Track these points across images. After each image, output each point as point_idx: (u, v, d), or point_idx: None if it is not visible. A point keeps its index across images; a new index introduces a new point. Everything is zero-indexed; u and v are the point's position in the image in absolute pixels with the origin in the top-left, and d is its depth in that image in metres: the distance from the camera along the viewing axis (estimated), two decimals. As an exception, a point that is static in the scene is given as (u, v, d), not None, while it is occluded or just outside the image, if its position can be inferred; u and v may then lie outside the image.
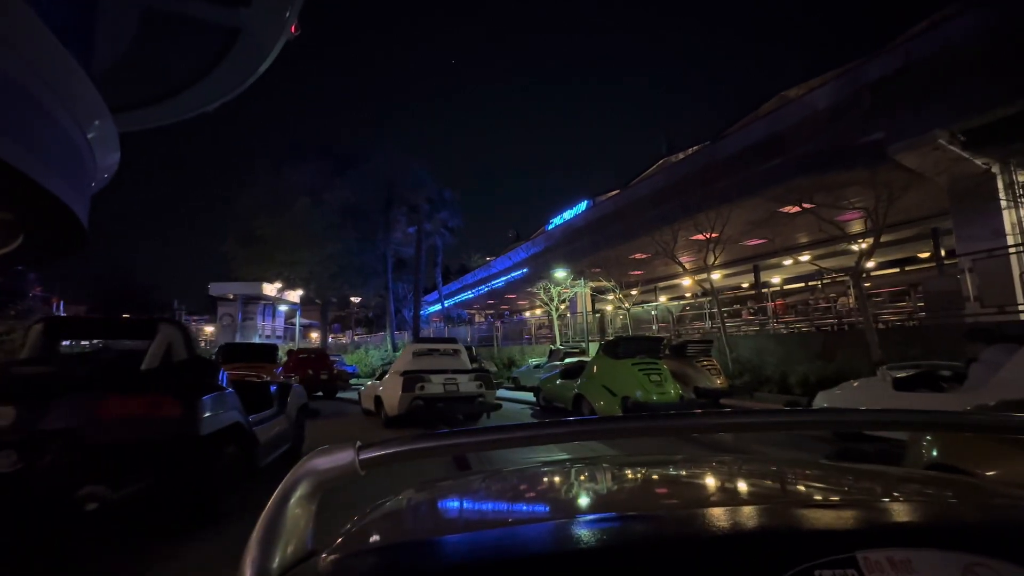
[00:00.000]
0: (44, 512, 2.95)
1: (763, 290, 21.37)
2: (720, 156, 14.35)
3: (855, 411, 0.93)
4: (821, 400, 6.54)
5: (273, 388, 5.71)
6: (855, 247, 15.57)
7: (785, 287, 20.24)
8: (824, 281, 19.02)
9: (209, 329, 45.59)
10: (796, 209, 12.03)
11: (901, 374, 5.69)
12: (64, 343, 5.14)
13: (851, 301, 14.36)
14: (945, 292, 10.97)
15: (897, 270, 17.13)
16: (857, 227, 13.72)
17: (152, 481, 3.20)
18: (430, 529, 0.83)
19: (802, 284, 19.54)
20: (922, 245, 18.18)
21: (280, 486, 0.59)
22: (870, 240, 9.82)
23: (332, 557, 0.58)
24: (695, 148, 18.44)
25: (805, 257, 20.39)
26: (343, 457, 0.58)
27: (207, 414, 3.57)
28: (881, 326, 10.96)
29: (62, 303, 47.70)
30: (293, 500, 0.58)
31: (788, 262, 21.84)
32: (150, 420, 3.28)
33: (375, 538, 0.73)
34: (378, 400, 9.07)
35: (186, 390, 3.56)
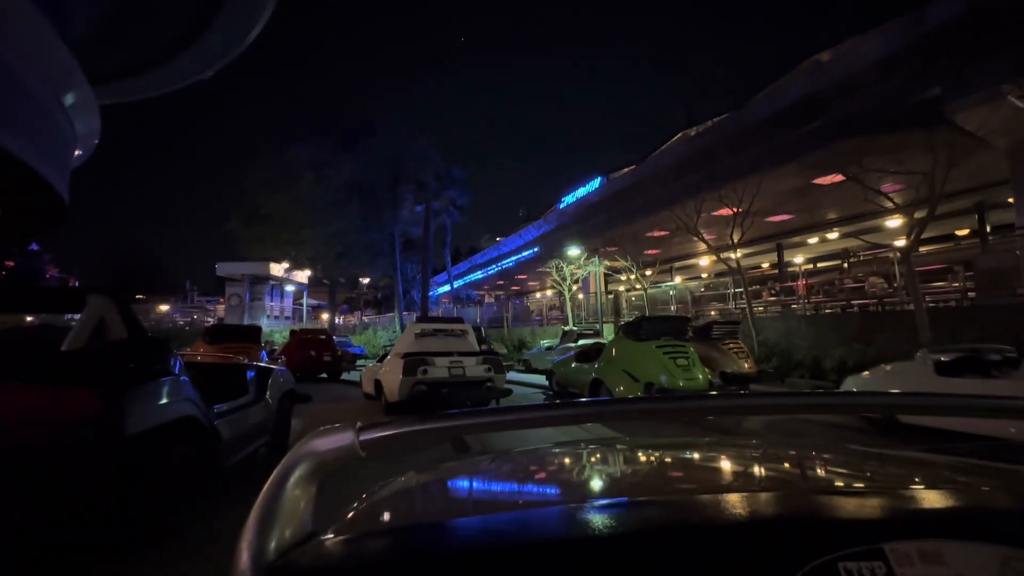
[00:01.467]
0: None
1: (787, 269, 20.40)
2: (750, 121, 13.21)
3: (886, 394, 0.73)
4: (850, 385, 6.17)
5: (251, 373, 4.98)
6: (893, 222, 14.52)
7: (816, 265, 19.17)
8: (853, 260, 18.04)
9: (221, 308, 45.64)
10: (835, 179, 11.02)
11: (944, 357, 5.32)
12: None
13: (880, 281, 13.40)
14: (1001, 269, 10.02)
15: (938, 247, 15.98)
16: (899, 199, 12.63)
17: (64, 494, 2.52)
18: (435, 511, 0.82)
19: (836, 262, 18.47)
20: (962, 221, 16.97)
21: (278, 467, 0.57)
22: (919, 212, 8.82)
23: (333, 539, 0.56)
24: (718, 118, 17.22)
25: (833, 235, 19.32)
26: (343, 439, 0.57)
27: (141, 407, 2.84)
28: (929, 306, 10.00)
29: (78, 284, 48.20)
30: (291, 481, 0.56)
31: (814, 240, 20.79)
32: (59, 416, 2.53)
33: (378, 520, 0.73)
34: (378, 384, 8.42)
35: (113, 377, 2.82)
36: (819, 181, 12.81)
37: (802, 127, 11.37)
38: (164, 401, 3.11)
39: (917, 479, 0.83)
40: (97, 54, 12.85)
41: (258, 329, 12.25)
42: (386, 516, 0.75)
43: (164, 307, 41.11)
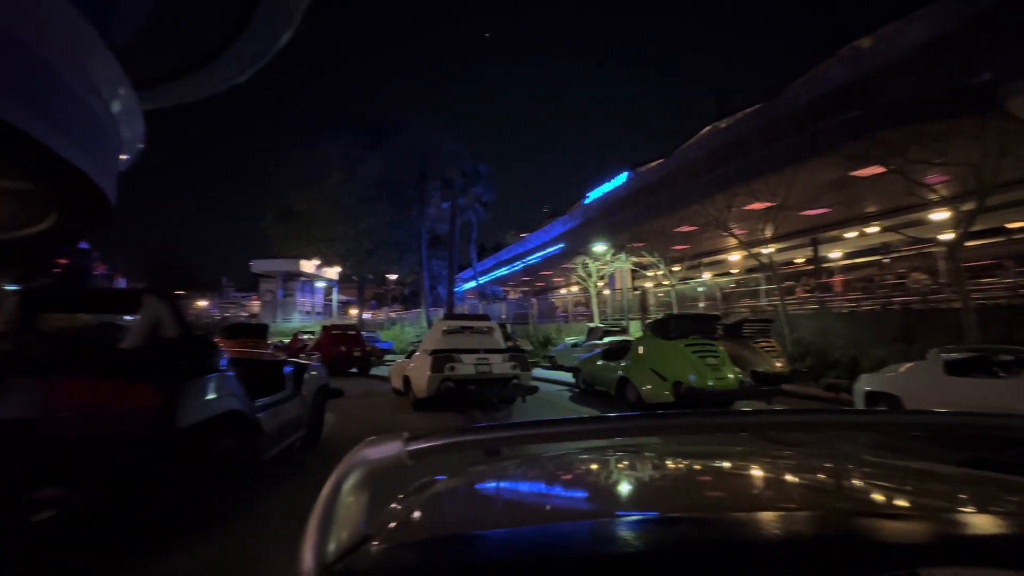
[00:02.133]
0: None
1: (823, 265, 19.68)
2: (785, 111, 12.75)
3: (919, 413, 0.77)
4: (864, 383, 6.23)
5: (288, 369, 5.15)
6: (938, 215, 13.82)
7: (855, 260, 18.42)
8: (893, 255, 17.24)
9: (256, 303, 47.19)
10: (875, 171, 10.53)
11: (954, 357, 5.36)
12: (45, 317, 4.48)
13: (923, 277, 12.77)
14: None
15: (987, 241, 15.10)
16: (944, 192, 12.01)
17: (121, 482, 2.68)
18: (472, 519, 0.83)
19: (875, 257, 17.71)
20: (1014, 214, 15.97)
21: (333, 474, 0.61)
22: (967, 205, 8.35)
23: (386, 545, 0.62)
24: (750, 109, 16.70)
25: (873, 228, 18.52)
26: (392, 448, 0.61)
27: (192, 401, 3.05)
28: (978, 303, 9.48)
29: (124, 280, 50.69)
30: (346, 488, 0.60)
31: (851, 234, 19.98)
32: (119, 409, 2.73)
33: (426, 526, 0.77)
34: (406, 380, 8.57)
35: (168, 374, 3.01)
36: (858, 173, 12.26)
37: (840, 117, 10.91)
38: (213, 396, 3.29)
39: (960, 499, 0.82)
40: (140, 62, 13.45)
41: (265, 327, 12.90)
42: (430, 523, 0.79)
43: (202, 303, 42.78)
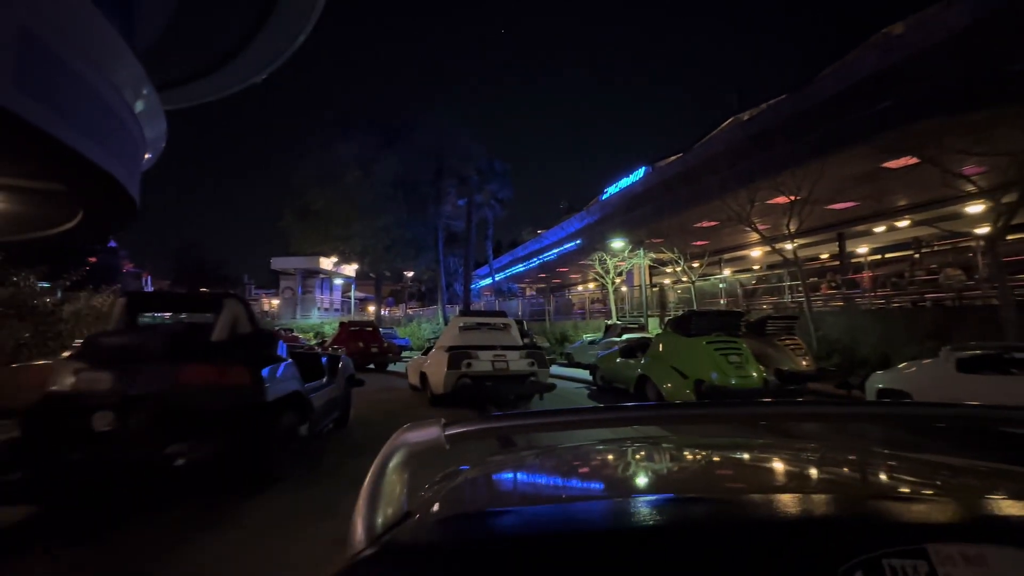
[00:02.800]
0: (135, 466, 3.29)
1: (850, 260, 19.08)
2: (812, 102, 12.30)
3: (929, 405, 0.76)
4: (877, 380, 6.29)
5: (324, 359, 5.86)
6: (974, 208, 13.24)
7: (884, 256, 17.80)
8: (925, 249, 16.59)
9: (275, 302, 47.96)
10: (908, 162, 10.10)
11: (966, 354, 5.40)
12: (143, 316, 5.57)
13: (958, 273, 12.22)
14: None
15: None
16: (982, 183, 11.47)
17: (223, 443, 3.45)
18: (513, 499, 0.90)
19: (906, 252, 17.09)
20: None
21: (379, 456, 0.68)
22: (1008, 196, 7.93)
23: (428, 519, 0.66)
24: (775, 100, 16.21)
25: (903, 223, 17.86)
26: (431, 432, 0.67)
27: (271, 383, 3.86)
28: (1019, 299, 9.03)
29: (150, 278, 52.10)
30: (390, 468, 0.66)
31: (880, 229, 19.32)
32: (223, 387, 3.60)
33: (463, 504, 0.82)
34: (423, 376, 8.54)
35: (253, 360, 3.84)
36: (889, 165, 11.79)
37: (872, 107, 10.46)
38: (284, 379, 4.12)
39: (965, 484, 0.85)
40: (161, 62, 13.69)
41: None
42: (467, 501, 0.85)
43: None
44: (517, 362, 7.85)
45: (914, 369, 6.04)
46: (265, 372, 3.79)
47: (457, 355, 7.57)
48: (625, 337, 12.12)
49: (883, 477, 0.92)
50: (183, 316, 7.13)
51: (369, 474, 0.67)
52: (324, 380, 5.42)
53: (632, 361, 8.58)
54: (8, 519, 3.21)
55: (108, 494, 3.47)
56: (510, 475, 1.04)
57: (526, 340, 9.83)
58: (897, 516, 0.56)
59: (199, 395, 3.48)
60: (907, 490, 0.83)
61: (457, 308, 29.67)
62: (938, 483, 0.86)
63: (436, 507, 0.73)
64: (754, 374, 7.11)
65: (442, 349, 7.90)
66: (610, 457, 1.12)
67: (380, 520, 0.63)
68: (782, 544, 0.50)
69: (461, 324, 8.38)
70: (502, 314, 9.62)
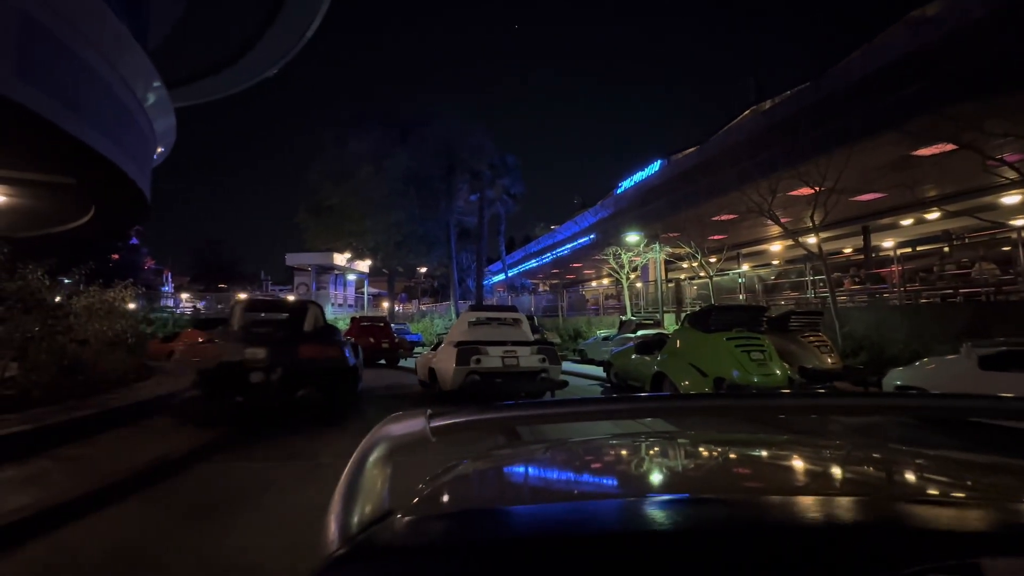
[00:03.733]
0: (277, 402, 5.80)
1: (877, 254, 18.39)
2: (838, 87, 11.74)
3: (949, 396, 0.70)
4: (894, 377, 6.21)
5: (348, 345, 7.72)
6: (1011, 198, 12.59)
7: (915, 249, 17.08)
8: (956, 242, 15.86)
9: (290, 298, 48.45)
10: (942, 149, 9.55)
11: (989, 351, 5.23)
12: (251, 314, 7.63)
13: (992, 267, 11.59)
14: None
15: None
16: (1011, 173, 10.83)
17: (327, 390, 6.02)
18: (500, 498, 0.83)
19: (936, 245, 16.38)
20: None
21: (358, 449, 0.62)
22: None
23: (408, 518, 0.61)
24: (797, 88, 15.61)
25: (933, 215, 17.13)
26: (415, 424, 0.61)
27: (349, 356, 6.55)
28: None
29: (170, 275, 53.10)
30: (370, 462, 0.61)
31: (908, 221, 18.57)
32: (326, 358, 6.16)
33: (449, 502, 0.75)
34: (432, 372, 8.34)
35: (336, 342, 6.55)
36: (921, 152, 11.21)
37: (904, 90, 9.90)
38: (350, 354, 6.61)
39: (1008, 485, 0.75)
40: (173, 59, 13.72)
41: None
42: (455, 499, 0.77)
43: (242, 295, 44.25)
44: (528, 358, 7.60)
45: (933, 366, 5.95)
46: (346, 351, 6.48)
47: (466, 351, 7.35)
48: (640, 333, 11.80)
49: (917, 477, 0.83)
50: (261, 315, 8.77)
51: (346, 470, 0.61)
52: (359, 358, 8.11)
53: (648, 358, 8.26)
54: (204, 437, 5.07)
55: (261, 421, 5.84)
56: (509, 471, 0.98)
57: (537, 336, 9.57)
58: (945, 524, 0.49)
59: (313, 363, 5.93)
60: (956, 495, 0.74)
61: (470, 304, 29.56)
62: (979, 485, 0.77)
63: (422, 505, 0.69)
64: (777, 372, 6.77)
65: (451, 344, 7.68)
66: (622, 453, 1.05)
67: (356, 519, 0.58)
68: (808, 553, 0.44)
69: (471, 319, 8.16)
70: (513, 309, 9.37)
